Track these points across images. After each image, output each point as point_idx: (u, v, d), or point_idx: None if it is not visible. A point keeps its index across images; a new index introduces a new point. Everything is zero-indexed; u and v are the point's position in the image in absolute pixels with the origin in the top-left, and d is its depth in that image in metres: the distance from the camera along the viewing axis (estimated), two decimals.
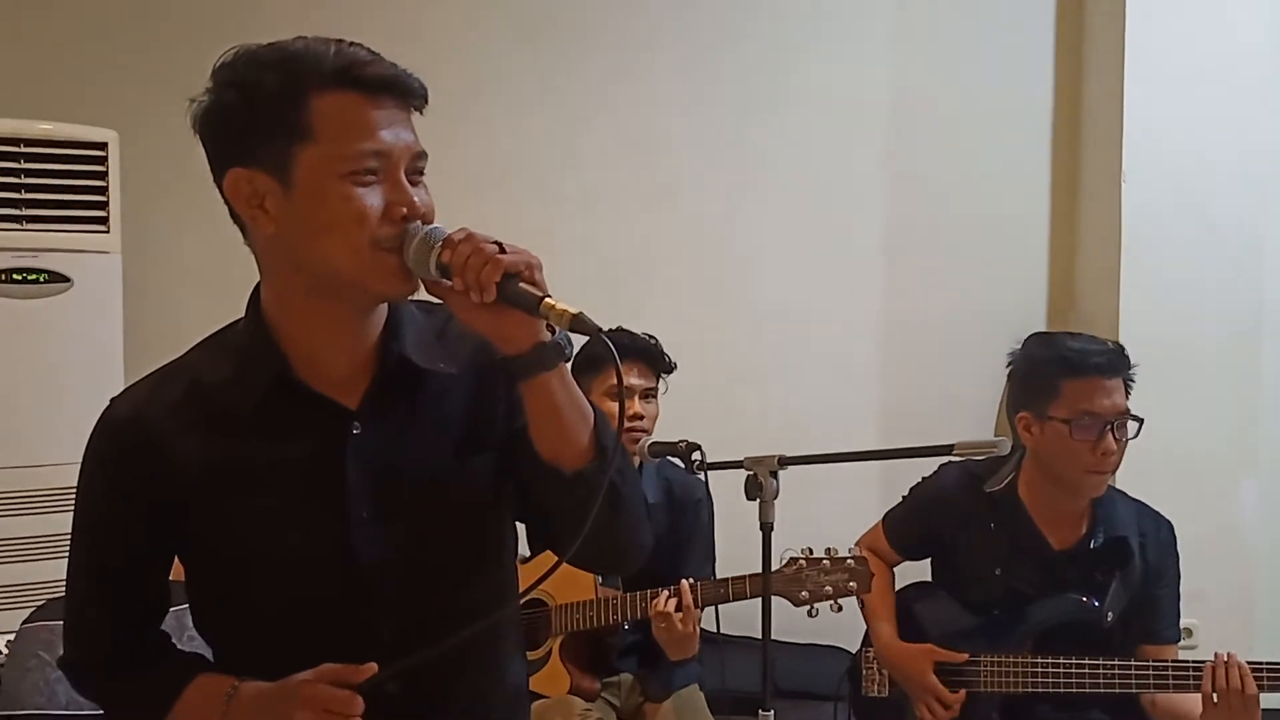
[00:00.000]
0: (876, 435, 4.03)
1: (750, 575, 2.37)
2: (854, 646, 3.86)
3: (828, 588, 2.25)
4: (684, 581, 2.42)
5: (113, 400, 1.38)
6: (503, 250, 1.19)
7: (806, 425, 3.80)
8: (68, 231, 3.48)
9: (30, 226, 3.44)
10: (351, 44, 1.27)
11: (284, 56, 1.25)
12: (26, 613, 3.33)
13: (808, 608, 2.26)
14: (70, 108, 3.64)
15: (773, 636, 2.56)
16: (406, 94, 1.26)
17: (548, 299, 1.19)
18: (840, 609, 2.37)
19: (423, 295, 1.32)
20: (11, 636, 2.39)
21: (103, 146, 3.51)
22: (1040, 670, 2.39)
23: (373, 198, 1.23)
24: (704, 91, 3.99)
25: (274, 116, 1.23)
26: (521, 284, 1.19)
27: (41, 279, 3.46)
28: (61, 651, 2.15)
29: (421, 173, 1.29)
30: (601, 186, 3.92)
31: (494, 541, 1.38)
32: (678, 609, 2.38)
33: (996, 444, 1.93)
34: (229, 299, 3.91)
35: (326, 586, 1.29)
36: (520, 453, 1.27)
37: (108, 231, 3.54)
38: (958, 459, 2.33)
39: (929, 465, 2.75)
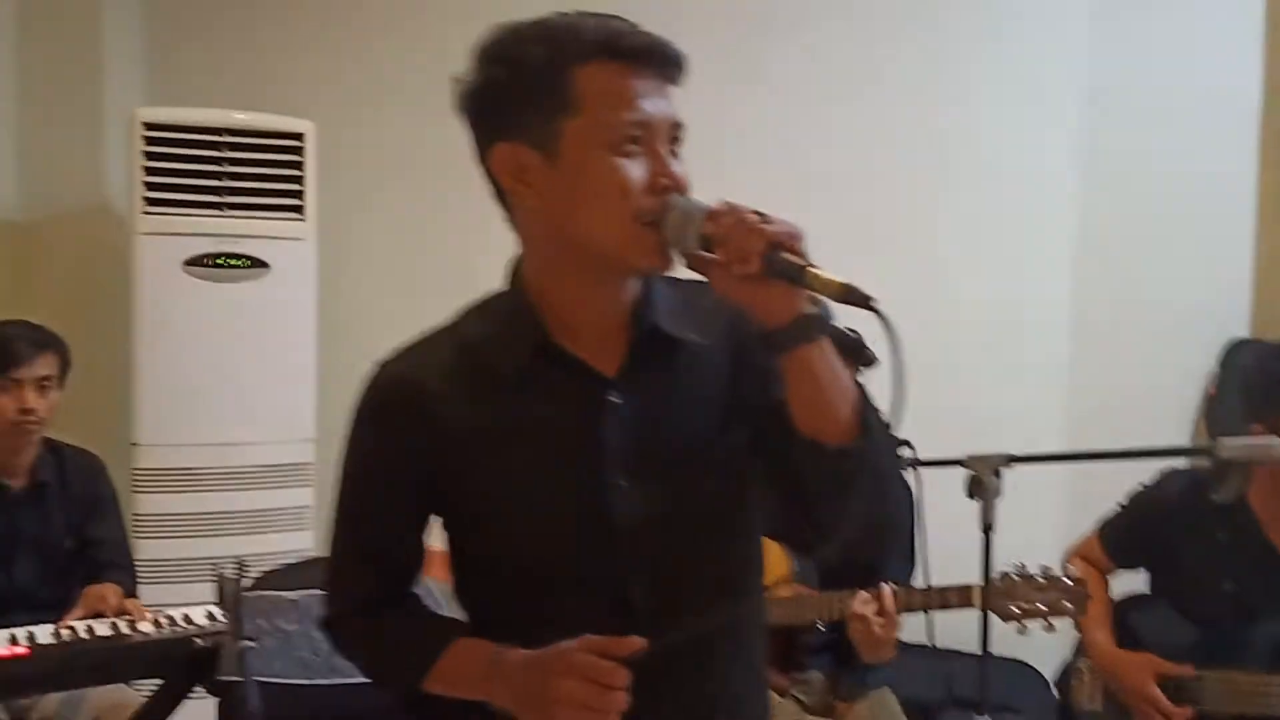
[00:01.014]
0: (1064, 437, 3.88)
1: (958, 587, 2.29)
2: (1032, 659, 3.71)
3: (1041, 605, 2.16)
4: (885, 587, 2.34)
5: (382, 360, 1.39)
6: (766, 221, 1.16)
7: (991, 425, 3.67)
8: (266, 219, 3.59)
9: (230, 214, 3.56)
10: (612, 16, 1.26)
11: (548, 31, 1.25)
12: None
13: (1016, 625, 2.18)
14: (269, 99, 3.76)
15: (948, 645, 2.49)
16: (666, 64, 1.25)
17: (814, 269, 1.15)
18: (1053, 629, 2.28)
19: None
20: (191, 608, 2.47)
21: (299, 136, 3.61)
22: (1274, 692, 2.25)
23: (635, 169, 1.22)
24: (890, 80, 3.90)
25: (539, 90, 1.23)
26: (786, 255, 1.16)
27: (241, 264, 3.59)
28: (278, 620, 2.22)
29: (678, 143, 1.27)
30: (793, 175, 3.86)
31: (745, 515, 1.35)
32: (878, 613, 2.32)
33: (1273, 447, 1.79)
34: (414, 283, 4.05)
35: (582, 551, 1.28)
36: (776, 427, 1.23)
37: (303, 219, 3.64)
38: (1181, 466, 2.20)
39: (1129, 474, 2.62)
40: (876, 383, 1.24)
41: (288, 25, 4.05)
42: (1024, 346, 3.95)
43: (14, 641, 2.27)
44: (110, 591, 2.55)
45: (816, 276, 1.14)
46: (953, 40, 3.94)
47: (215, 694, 2.34)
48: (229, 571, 1.94)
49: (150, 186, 3.49)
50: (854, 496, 1.18)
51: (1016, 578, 2.20)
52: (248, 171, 3.56)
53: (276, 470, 3.65)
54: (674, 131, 1.26)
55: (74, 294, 3.94)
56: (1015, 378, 3.92)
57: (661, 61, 1.25)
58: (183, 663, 2.33)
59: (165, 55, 4.10)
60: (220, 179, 3.54)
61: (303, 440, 3.70)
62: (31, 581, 2.60)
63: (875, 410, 1.22)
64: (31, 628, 2.35)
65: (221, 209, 3.55)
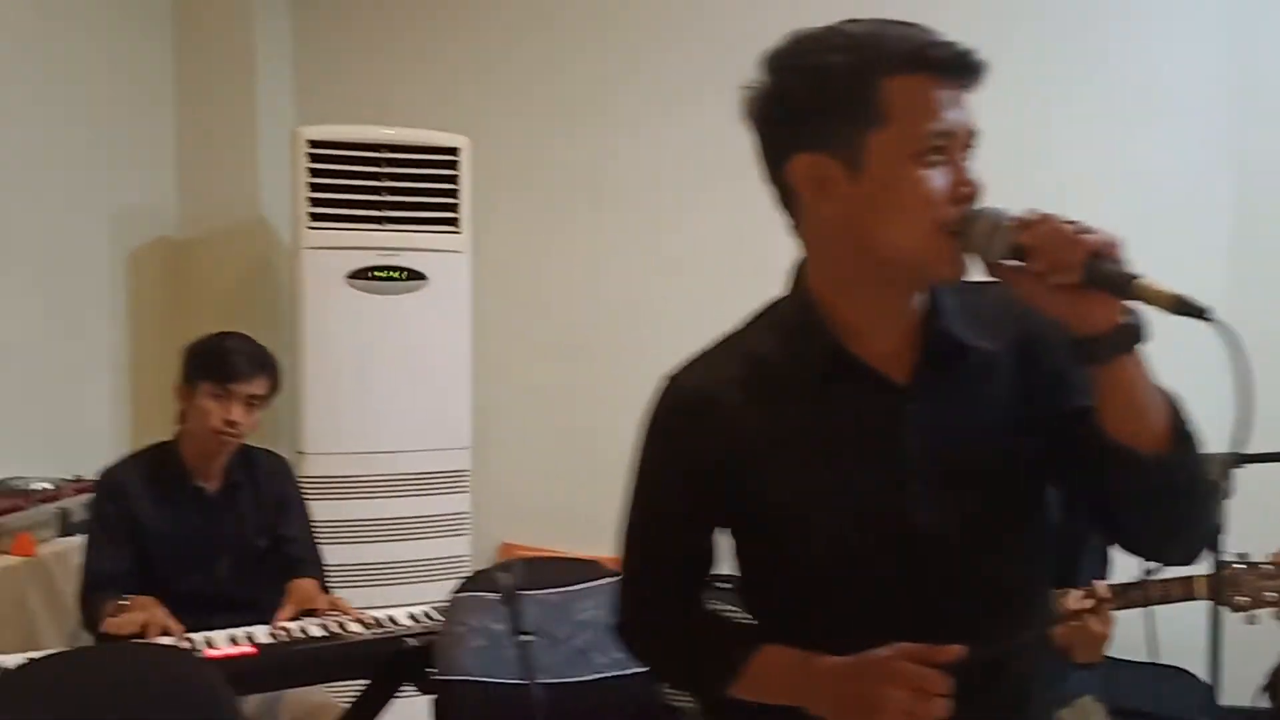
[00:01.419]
0: (1215, 443, 3.82)
1: (1181, 578, 2.26)
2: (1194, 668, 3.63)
3: (1269, 594, 2.13)
4: (1099, 583, 2.32)
5: (671, 373, 1.42)
6: (1083, 230, 1.16)
7: None
8: (423, 232, 3.69)
9: (389, 227, 3.66)
10: (909, 24, 1.27)
11: (851, 40, 1.25)
12: (410, 587, 3.55)
13: (1245, 615, 2.15)
14: (425, 115, 3.87)
15: (1112, 654, 2.45)
16: (971, 73, 1.25)
17: (1141, 279, 1.15)
18: None
19: None
20: (392, 610, 2.55)
21: (455, 151, 3.70)
22: None
23: (938, 180, 1.22)
24: (1042, 94, 3.89)
25: (845, 100, 1.24)
26: (1109, 264, 1.15)
27: (400, 276, 3.68)
28: (486, 620, 2.27)
29: (972, 150, 1.28)
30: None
31: (1039, 524, 1.36)
32: (1093, 610, 2.28)
33: None
34: (564, 295, 4.12)
35: (883, 560, 1.29)
36: (1080, 436, 1.24)
37: (459, 232, 3.73)
38: None
39: None
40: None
41: (444, 45, 4.16)
42: (1176, 353, 3.89)
43: (234, 641, 2.35)
44: (314, 587, 2.64)
45: (1146, 287, 1.12)
46: (1103, 54, 3.92)
47: (428, 692, 2.41)
48: (505, 571, 1.99)
49: (314, 202, 3.60)
50: (1167, 505, 1.17)
51: (1242, 566, 2.17)
52: (406, 186, 3.66)
53: (435, 477, 3.74)
54: (970, 139, 1.27)
55: (231, 308, 4.06)
56: (1168, 383, 3.87)
57: (967, 71, 1.26)
58: (394, 662, 2.40)
59: (316, 74, 4.23)
60: (380, 194, 3.65)
61: (459, 448, 3.79)
62: (229, 581, 2.68)
63: (1189, 419, 1.21)
64: (250, 628, 2.44)
65: (381, 223, 3.65)
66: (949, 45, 1.26)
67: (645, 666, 1.46)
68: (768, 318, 1.43)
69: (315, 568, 2.79)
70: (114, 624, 2.32)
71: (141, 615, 2.34)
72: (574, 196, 4.10)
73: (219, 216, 4.11)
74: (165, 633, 2.35)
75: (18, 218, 3.30)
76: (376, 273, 3.66)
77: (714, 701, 1.36)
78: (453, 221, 3.72)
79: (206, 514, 2.68)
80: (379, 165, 3.64)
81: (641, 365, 4.05)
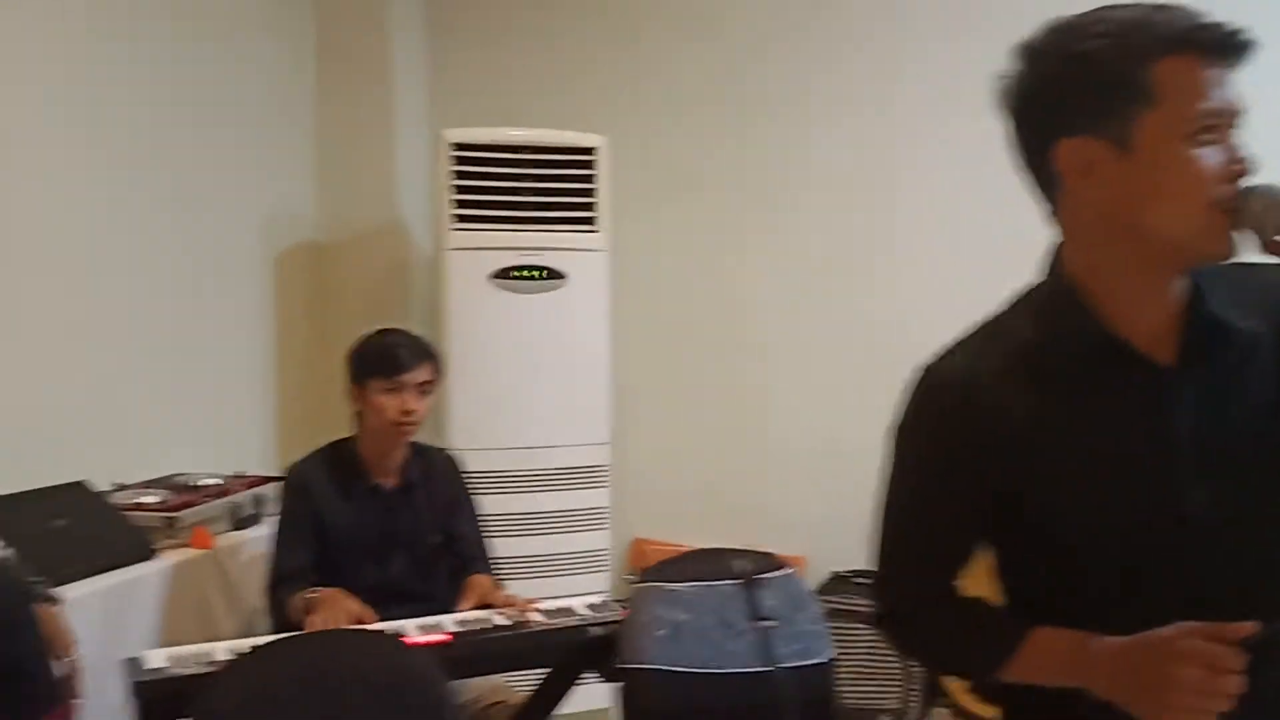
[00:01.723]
0: None
1: None
2: None
3: None
4: None
5: (928, 363, 1.43)
6: None
7: None
8: (562, 231, 3.75)
9: (530, 228, 3.73)
10: (1173, 6, 1.27)
11: (1115, 26, 1.26)
12: (552, 581, 3.60)
13: None
14: (558, 116, 3.93)
15: None
16: (1240, 53, 1.26)
17: None
18: None
19: None
20: (567, 600, 2.60)
21: (592, 151, 3.76)
22: None
23: (1210, 159, 1.23)
24: None
25: (1114, 84, 1.24)
26: None
27: (540, 275, 3.75)
28: (667, 610, 2.30)
29: (1239, 128, 1.28)
30: None
31: None
32: None
33: None
34: (699, 292, 4.15)
35: (1152, 542, 1.29)
36: None
37: (597, 231, 3.78)
38: None
39: None
40: None
41: (582, 47, 4.22)
42: None
43: (424, 630, 2.41)
44: (490, 583, 2.70)
45: None
46: None
47: (612, 680, 2.45)
48: (740, 558, 2.02)
49: (458, 204, 3.67)
50: None
51: None
52: (545, 186, 3.72)
53: (575, 472, 3.80)
54: (1239, 118, 1.27)
55: (369, 308, 4.16)
56: None
57: (1235, 51, 1.26)
58: (579, 651, 2.44)
59: (450, 78, 4.31)
60: (521, 194, 3.71)
61: (599, 444, 3.85)
62: (404, 575, 2.75)
63: None
64: (436, 618, 2.50)
65: (522, 223, 3.72)
66: (1217, 26, 1.26)
67: (908, 654, 1.47)
68: (1026, 303, 1.43)
69: (486, 565, 2.85)
70: (316, 621, 2.39)
71: (347, 610, 2.40)
72: (708, 194, 4.14)
73: (358, 220, 4.21)
74: (359, 622, 2.42)
75: (173, 224, 3.42)
76: (517, 272, 3.72)
77: (985, 685, 1.38)
78: (590, 221, 3.78)
79: (384, 510, 2.75)
80: (520, 166, 3.70)
81: (775, 363, 4.14)
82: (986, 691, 1.41)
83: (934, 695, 3.77)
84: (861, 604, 3.52)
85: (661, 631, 2.35)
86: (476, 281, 3.69)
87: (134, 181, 3.24)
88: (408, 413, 2.68)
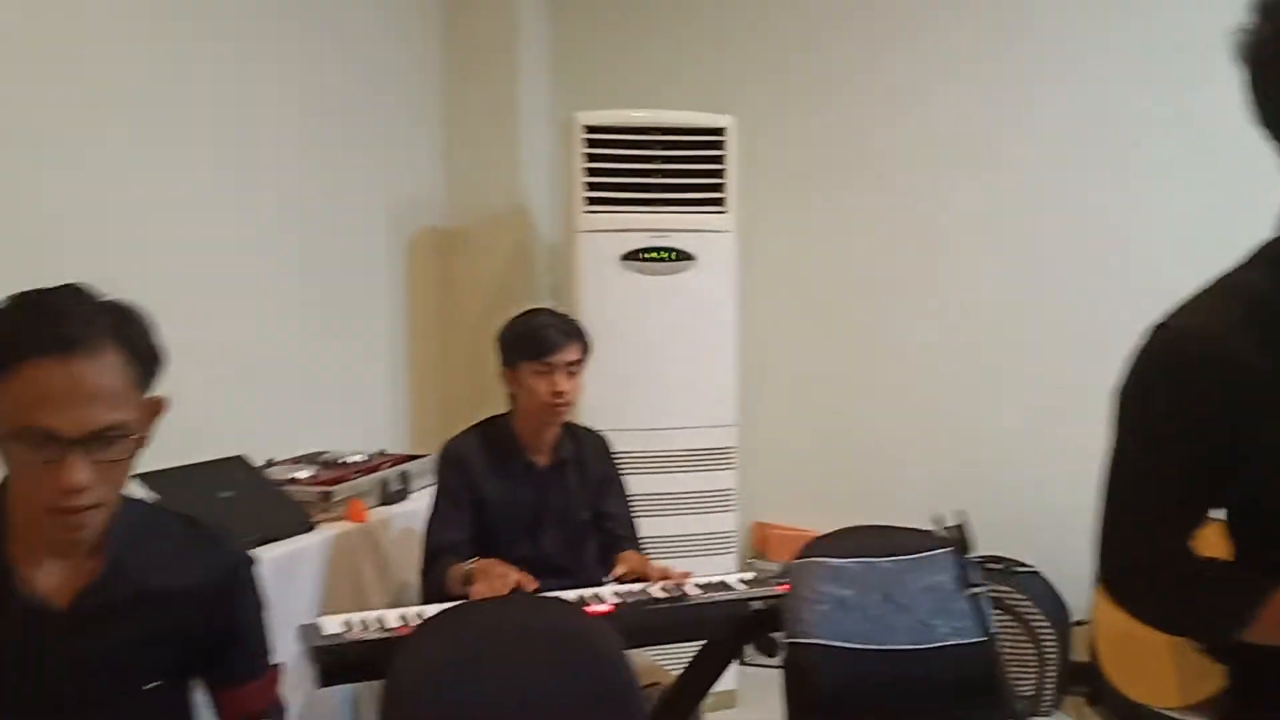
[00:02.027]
0: None
1: None
2: None
3: None
4: None
5: (1164, 320, 1.41)
6: None
7: None
8: (691, 213, 3.75)
9: (659, 209, 3.74)
10: None
11: None
12: (680, 562, 3.62)
13: None
14: (687, 97, 3.93)
15: None
16: None
17: None
18: None
19: None
20: (721, 575, 2.60)
21: (721, 131, 3.75)
22: None
23: None
24: None
25: None
26: None
27: (670, 257, 3.75)
28: (829, 586, 2.29)
29: None
30: None
31: None
32: None
33: None
34: (827, 274, 4.14)
35: None
36: None
37: (725, 212, 3.78)
38: None
39: None
40: None
41: (713, 28, 4.22)
42: None
43: (585, 602, 2.44)
44: (643, 558, 2.71)
45: None
46: None
47: (770, 655, 2.45)
48: (951, 522, 2.01)
49: (590, 186, 3.70)
50: None
51: None
52: (675, 168, 3.73)
53: (702, 454, 3.81)
54: None
55: (495, 293, 4.21)
56: None
57: None
58: (740, 625, 2.45)
59: (573, 61, 4.34)
60: (652, 176, 3.72)
61: (725, 425, 3.85)
62: (555, 550, 2.78)
63: None
64: (595, 589, 2.52)
65: (653, 205, 3.73)
66: None
67: (1138, 615, 1.45)
68: (1263, 257, 1.40)
69: (635, 543, 2.88)
70: (480, 590, 2.42)
71: (507, 578, 2.44)
72: (837, 174, 4.12)
73: (483, 205, 4.26)
74: (519, 588, 2.45)
75: (313, 214, 3.49)
76: (647, 254, 3.73)
77: (1225, 645, 1.35)
78: (719, 202, 3.78)
79: (536, 487, 2.79)
80: (650, 148, 3.71)
81: (905, 347, 4.11)
82: (1220, 654, 1.38)
83: (1068, 682, 3.71)
84: (993, 590, 3.48)
85: (825, 606, 2.35)
86: (607, 264, 3.71)
87: (279, 176, 3.33)
88: (559, 394, 2.70)
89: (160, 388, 1.41)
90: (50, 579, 1.42)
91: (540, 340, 2.72)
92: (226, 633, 1.56)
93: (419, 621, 2.27)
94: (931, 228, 4.05)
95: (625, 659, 1.98)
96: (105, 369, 1.30)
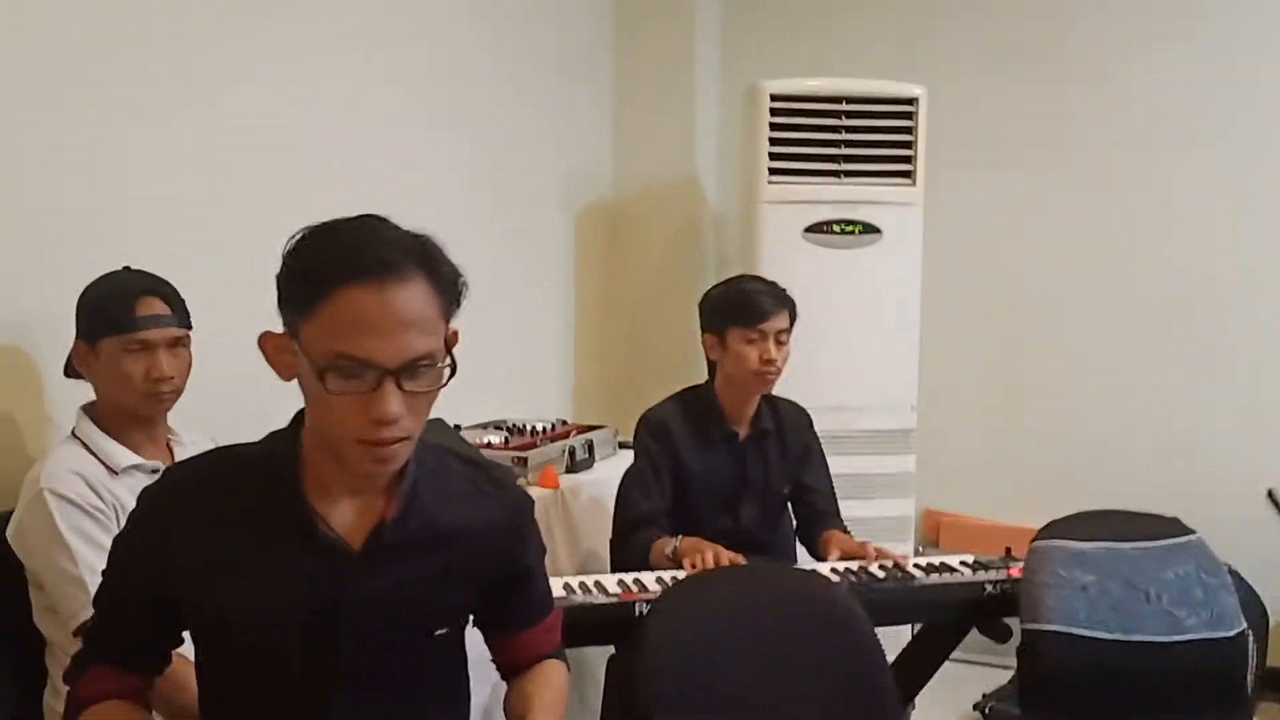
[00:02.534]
0: None
1: None
2: None
3: None
4: None
5: None
6: None
7: None
8: (879, 184, 3.63)
9: (846, 181, 3.62)
10: None
11: None
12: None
13: None
14: (884, 66, 3.81)
15: None
16: None
17: None
18: None
19: None
20: (941, 557, 2.49)
21: (912, 102, 3.62)
22: None
23: None
24: None
25: None
26: None
27: (855, 230, 3.63)
28: (1069, 570, 2.17)
29: None
30: None
31: None
32: None
33: None
34: (1015, 252, 3.96)
35: None
36: None
37: (913, 184, 3.65)
38: None
39: None
40: None
41: None
42: None
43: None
44: (853, 540, 2.61)
45: None
46: None
47: (998, 640, 2.34)
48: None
49: (774, 156, 3.59)
50: None
51: None
52: (862, 138, 3.61)
53: (882, 437, 3.68)
54: None
55: (662, 265, 4.14)
56: None
57: None
58: (965, 608, 2.34)
59: (747, 28, 4.24)
60: (838, 146, 3.61)
61: (906, 407, 3.72)
62: (753, 524, 2.70)
63: None
64: (814, 565, 2.43)
65: (838, 176, 3.61)
66: None
67: None
68: None
69: (839, 519, 2.77)
70: (696, 564, 2.35)
71: (721, 558, 2.36)
72: (1034, 147, 3.94)
73: (652, 176, 4.18)
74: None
75: (488, 186, 3.45)
76: (832, 226, 3.62)
77: None
78: (908, 174, 3.65)
79: (737, 459, 2.71)
80: (836, 117, 3.60)
81: (1099, 333, 3.91)
82: None
83: (1265, 688, 3.51)
84: None
85: (1065, 592, 2.22)
86: (790, 236, 3.60)
87: (456, 150, 3.30)
88: (769, 361, 2.61)
89: None
90: (344, 517, 1.37)
91: (752, 306, 2.63)
92: (515, 574, 1.51)
93: (641, 589, 2.22)
94: (1140, 207, 3.84)
95: (872, 628, 1.89)
96: (417, 296, 1.25)
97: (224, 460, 1.40)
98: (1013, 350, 4.00)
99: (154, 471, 2.04)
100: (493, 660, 1.60)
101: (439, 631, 1.44)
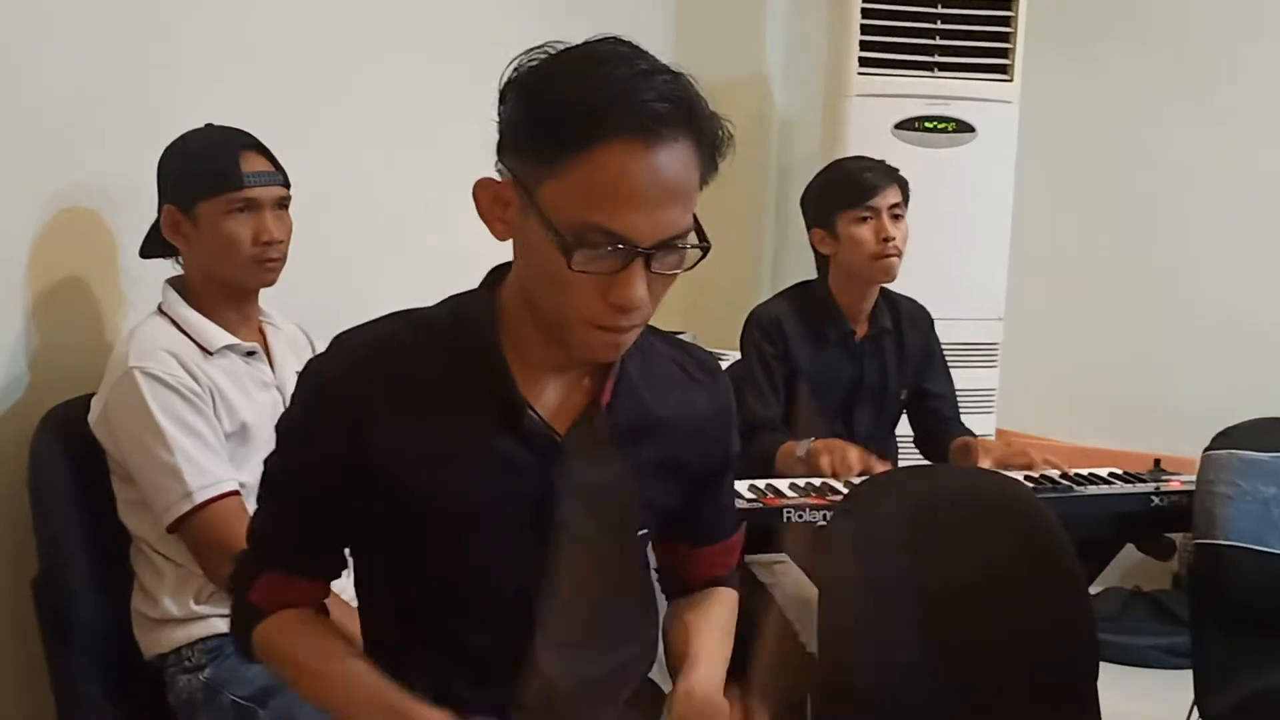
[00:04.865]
0: None
1: None
2: None
3: None
4: None
5: None
6: None
7: None
8: (974, 80, 3.40)
9: (939, 75, 3.39)
10: None
11: None
12: None
13: None
14: None
15: None
16: None
17: None
18: None
19: None
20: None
21: None
22: None
23: None
24: None
25: None
26: None
27: (948, 128, 3.41)
28: (1249, 481, 1.98)
29: None
30: None
31: None
32: None
33: None
34: (1116, 157, 3.70)
35: None
36: None
37: (1010, 80, 3.42)
38: None
39: None
40: None
41: None
42: None
43: None
44: (1004, 445, 2.42)
45: None
46: None
47: (1159, 557, 2.17)
48: None
49: (865, 45, 3.36)
50: None
51: None
52: (958, 29, 3.38)
53: (965, 350, 3.47)
54: None
55: (724, 173, 3.88)
56: None
57: None
58: (1128, 521, 2.15)
59: None
60: (931, 37, 3.37)
61: (992, 319, 3.52)
62: (868, 431, 2.50)
63: None
64: None
65: (931, 69, 3.39)
66: None
67: None
68: None
69: (962, 425, 2.57)
70: (829, 465, 2.15)
71: (866, 460, 2.16)
72: (1136, 44, 3.68)
73: (719, 71, 3.91)
74: (868, 471, 2.17)
75: None
76: (925, 123, 3.39)
77: None
78: (1004, 69, 3.42)
79: (853, 360, 2.50)
80: (931, 6, 3.36)
81: (1208, 245, 3.67)
82: None
83: None
84: None
85: (1248, 505, 2.02)
86: (879, 132, 3.36)
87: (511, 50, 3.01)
88: (887, 240, 2.40)
89: None
90: (548, 398, 1.18)
91: (859, 184, 2.42)
92: (717, 475, 1.33)
93: (777, 494, 2.03)
94: (1238, 107, 3.59)
95: (1064, 533, 1.70)
96: (684, 161, 1.04)
97: (408, 328, 1.18)
98: (1111, 265, 3.77)
99: (249, 354, 1.82)
100: (656, 574, 1.41)
101: (642, 531, 1.26)
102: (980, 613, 1.61)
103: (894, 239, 2.40)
